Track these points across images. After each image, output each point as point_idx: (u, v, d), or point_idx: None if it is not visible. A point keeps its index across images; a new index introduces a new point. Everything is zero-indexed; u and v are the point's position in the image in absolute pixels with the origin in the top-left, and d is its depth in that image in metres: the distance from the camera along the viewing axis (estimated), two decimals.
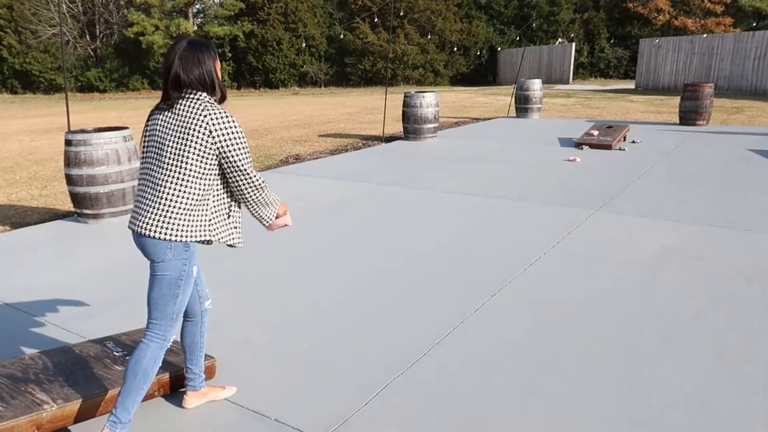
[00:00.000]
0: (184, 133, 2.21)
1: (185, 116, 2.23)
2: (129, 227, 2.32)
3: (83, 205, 5.64)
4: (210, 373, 2.82)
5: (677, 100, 13.57)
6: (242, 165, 2.29)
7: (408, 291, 3.91)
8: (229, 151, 2.25)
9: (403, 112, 10.89)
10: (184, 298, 2.35)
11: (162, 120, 2.27)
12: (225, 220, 2.38)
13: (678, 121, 12.54)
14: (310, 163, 8.85)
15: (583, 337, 3.23)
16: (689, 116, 12.15)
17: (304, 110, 18.44)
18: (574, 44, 29.64)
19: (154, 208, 2.24)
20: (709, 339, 3.18)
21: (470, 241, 4.91)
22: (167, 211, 2.22)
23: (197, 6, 33.67)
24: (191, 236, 2.26)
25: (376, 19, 32.32)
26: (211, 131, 2.21)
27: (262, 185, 2.38)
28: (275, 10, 32.06)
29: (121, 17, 32.75)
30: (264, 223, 2.48)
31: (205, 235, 2.30)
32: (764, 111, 14.75)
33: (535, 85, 14.22)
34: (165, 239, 2.22)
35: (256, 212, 2.43)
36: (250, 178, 2.33)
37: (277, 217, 2.54)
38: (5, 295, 3.95)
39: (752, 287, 3.84)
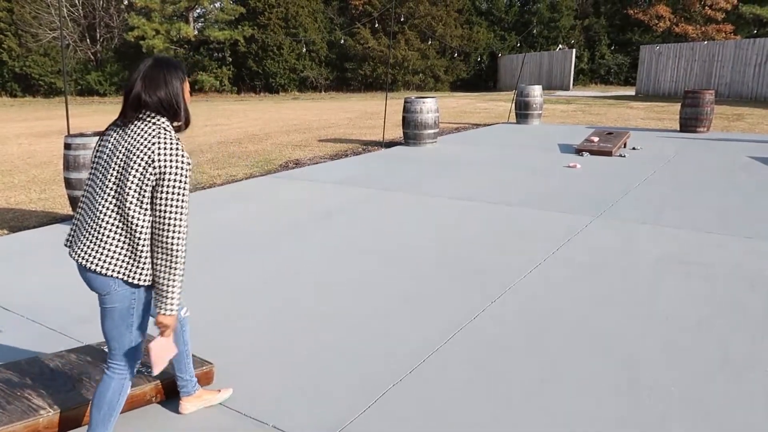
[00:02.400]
0: (129, 158, 2.01)
1: (135, 139, 2.04)
2: (71, 255, 2.12)
3: None
4: (208, 378, 2.79)
5: (678, 106, 13.58)
6: (170, 214, 2.00)
7: (407, 296, 3.88)
8: (164, 189, 1.99)
9: (404, 118, 10.89)
10: (142, 323, 2.17)
11: (114, 139, 2.09)
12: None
13: (678, 128, 12.53)
14: (310, 168, 8.83)
15: (584, 343, 3.21)
16: (690, 123, 12.15)
17: (304, 115, 18.45)
18: (574, 50, 29.69)
19: (92, 236, 2.05)
20: (711, 346, 3.15)
21: (471, 247, 4.89)
22: (105, 242, 2.03)
23: (198, 10, 33.76)
24: (132, 276, 2.04)
25: (376, 25, 32.38)
26: (153, 160, 1.99)
27: (179, 258, 2.04)
28: (276, 15, 32.12)
29: (122, 21, 32.82)
30: (160, 310, 2.07)
31: (146, 279, 2.06)
32: (765, 118, 14.76)
33: (536, 91, 14.23)
34: (104, 275, 2.04)
35: (159, 286, 2.06)
36: (172, 236, 2.01)
37: (164, 328, 2.10)
38: (3, 299, 3.93)
39: (755, 295, 3.82)
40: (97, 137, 5.48)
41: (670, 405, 2.64)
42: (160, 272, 2.05)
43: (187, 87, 2.17)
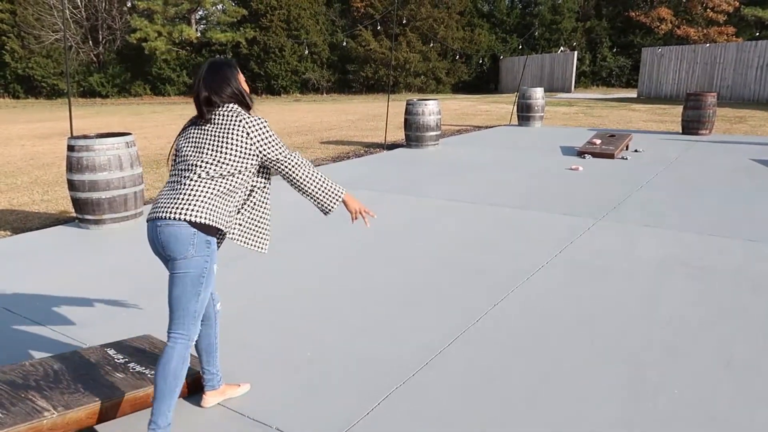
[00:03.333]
0: (224, 136, 2.38)
1: (222, 124, 2.42)
2: (149, 219, 2.36)
3: (85, 211, 5.63)
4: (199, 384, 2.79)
5: (680, 109, 13.58)
6: (281, 155, 2.47)
7: (411, 299, 3.89)
8: (268, 149, 2.44)
9: (405, 120, 10.90)
10: (206, 296, 2.36)
11: (197, 131, 2.45)
12: (251, 219, 2.59)
13: (680, 131, 12.54)
14: None
15: (587, 346, 3.21)
16: (692, 125, 12.15)
17: (306, 117, 18.47)
18: (576, 53, 29.69)
19: (180, 197, 2.32)
20: (714, 350, 3.15)
21: (473, 249, 4.89)
22: (193, 197, 2.31)
23: (200, 12, 33.82)
24: (214, 220, 2.32)
25: (378, 27, 32.42)
26: (248, 133, 2.41)
27: (305, 163, 2.52)
28: (278, 17, 32.18)
29: (124, 23, 32.89)
30: (326, 207, 2.56)
31: (226, 224, 2.39)
32: (767, 120, 14.75)
33: (537, 94, 14.24)
34: (188, 220, 2.27)
35: (315, 197, 2.54)
36: (292, 160, 2.49)
37: (349, 209, 2.64)
38: (6, 300, 3.94)
39: (758, 298, 3.82)
40: (101, 138, 5.52)
41: (673, 407, 2.64)
42: (314, 188, 2.53)
43: (242, 77, 2.55)
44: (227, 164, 2.37)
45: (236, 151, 2.38)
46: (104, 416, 2.48)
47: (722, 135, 12.12)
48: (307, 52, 32.09)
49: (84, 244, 5.23)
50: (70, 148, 5.55)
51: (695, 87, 22.14)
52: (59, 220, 6.24)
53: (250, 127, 2.42)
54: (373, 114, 18.80)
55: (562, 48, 32.59)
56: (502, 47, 35.30)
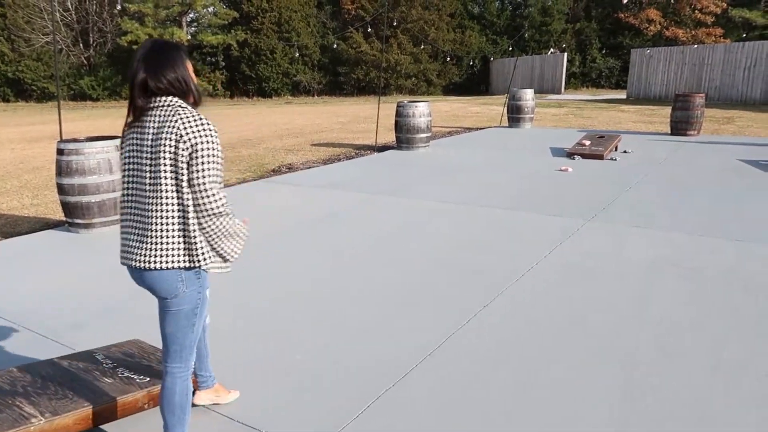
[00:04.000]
0: (157, 145, 1.99)
1: (156, 126, 2.01)
2: (123, 264, 2.12)
3: (75, 215, 5.60)
4: (195, 384, 2.79)
5: (668, 110, 13.68)
6: (206, 182, 2.00)
7: (401, 301, 3.89)
8: (198, 160, 1.98)
9: (396, 122, 10.91)
10: (201, 324, 2.22)
11: (135, 138, 2.07)
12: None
13: (669, 131, 12.62)
14: (303, 173, 8.84)
15: (578, 347, 3.22)
16: (680, 126, 12.23)
17: (297, 119, 18.45)
18: (566, 54, 29.84)
19: (148, 237, 2.03)
20: (704, 349, 3.18)
21: (464, 251, 4.91)
22: (160, 237, 2.02)
23: (191, 15, 33.72)
24: (194, 260, 2.06)
25: (369, 29, 32.45)
26: (182, 135, 1.97)
27: (225, 211, 2.08)
28: (269, 20, 32.14)
29: (115, 26, 32.74)
30: (227, 258, 2.17)
31: (207, 257, 2.10)
32: (754, 121, 14.88)
33: (527, 95, 14.30)
34: (169, 268, 2.04)
35: (216, 245, 2.12)
36: (211, 201, 2.02)
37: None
38: None
39: (748, 298, 3.86)
40: (90, 141, 5.49)
41: (665, 408, 2.66)
42: (219, 239, 2.10)
43: (190, 66, 2.16)
44: (168, 181, 1.99)
45: (171, 163, 1.98)
46: (93, 422, 2.46)
47: (710, 135, 12.22)
48: (297, 54, 32.07)
49: (74, 249, 5.20)
50: (60, 152, 5.52)
51: (684, 88, 22.29)
52: (49, 224, 6.20)
53: (185, 127, 1.98)
54: (364, 116, 18.81)
55: (552, 49, 32.74)
56: (492, 49, 35.41)
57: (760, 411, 2.61)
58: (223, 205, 2.06)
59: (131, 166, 2.08)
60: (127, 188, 2.11)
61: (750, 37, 30.53)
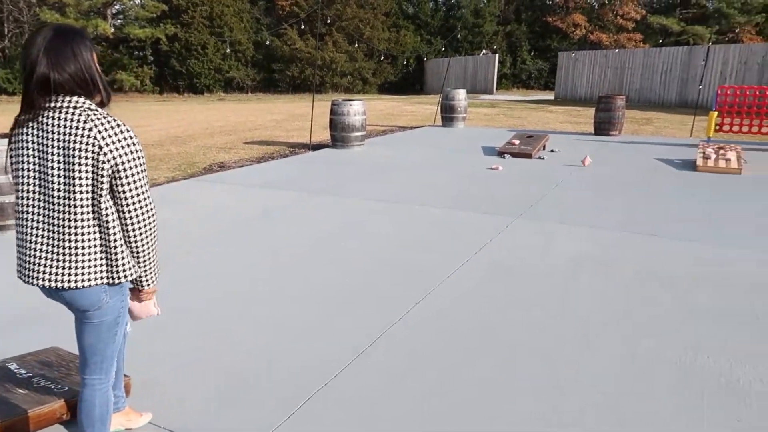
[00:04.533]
0: (69, 157, 1.77)
1: (64, 133, 1.77)
2: (29, 283, 1.89)
3: None
4: (125, 392, 2.68)
5: (593, 111, 14.29)
6: (138, 192, 1.88)
7: (333, 301, 3.89)
8: (124, 173, 1.83)
9: (331, 120, 10.88)
10: (122, 331, 2.10)
11: (33, 141, 1.81)
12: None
13: (593, 131, 13.19)
14: (236, 171, 8.66)
15: (502, 342, 3.32)
16: (603, 126, 12.81)
17: (230, 117, 18.06)
18: (497, 55, 30.62)
19: (63, 254, 1.85)
20: (621, 342, 3.34)
21: (396, 249, 4.95)
22: (75, 254, 1.85)
23: (116, 6, 32.35)
24: (116, 276, 1.92)
25: (303, 26, 32.15)
26: (101, 147, 1.79)
27: (154, 226, 1.96)
28: (200, 14, 31.27)
29: (32, 16, 30.95)
30: (144, 284, 2.05)
31: (130, 272, 1.96)
32: (670, 122, 15.77)
33: (460, 95, 14.58)
34: (89, 287, 1.88)
35: (141, 262, 1.99)
36: (145, 211, 1.91)
37: (147, 295, 2.13)
38: None
39: (662, 291, 4.08)
40: (1, 138, 5.17)
41: (585, 401, 2.78)
42: (144, 249, 1.96)
43: (95, 57, 1.91)
44: (85, 195, 1.82)
45: (88, 179, 1.80)
46: None
47: (631, 135, 12.85)
48: (230, 50, 31.37)
49: None
50: None
51: (607, 90, 23.34)
52: None
53: (103, 138, 1.79)
54: (298, 114, 18.63)
55: (484, 51, 33.53)
56: (426, 48, 35.88)
57: (672, 397, 2.78)
58: (154, 215, 1.96)
59: (31, 173, 1.84)
60: (28, 198, 1.86)
61: (666, 42, 32.36)
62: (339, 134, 10.79)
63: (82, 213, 1.84)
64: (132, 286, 2.08)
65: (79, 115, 1.80)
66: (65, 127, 1.79)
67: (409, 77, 35.98)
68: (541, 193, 7.10)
